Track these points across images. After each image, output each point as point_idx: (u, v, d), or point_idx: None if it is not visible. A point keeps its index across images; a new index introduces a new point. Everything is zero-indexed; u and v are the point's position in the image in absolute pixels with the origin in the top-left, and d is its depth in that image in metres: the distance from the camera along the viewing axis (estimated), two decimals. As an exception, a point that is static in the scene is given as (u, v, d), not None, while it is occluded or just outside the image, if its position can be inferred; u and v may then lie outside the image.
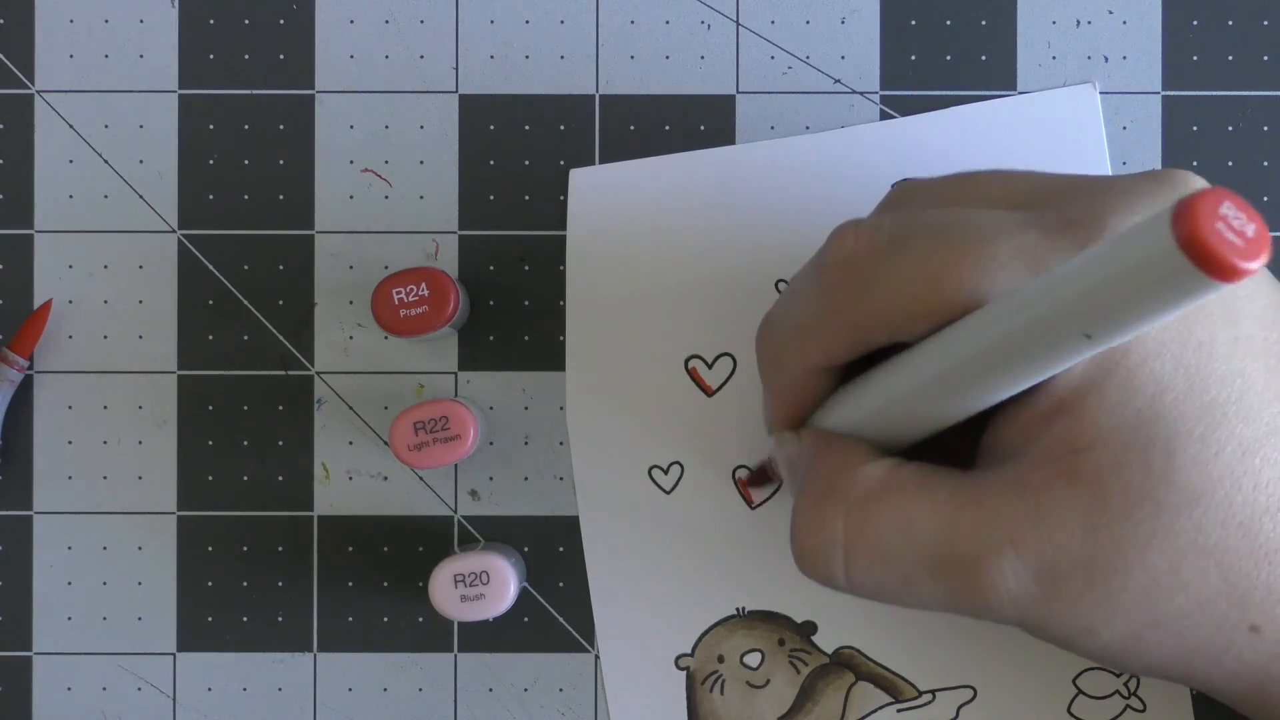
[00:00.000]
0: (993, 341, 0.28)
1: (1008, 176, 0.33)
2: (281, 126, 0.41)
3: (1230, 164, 0.41)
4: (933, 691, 0.40)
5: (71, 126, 0.41)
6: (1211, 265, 0.22)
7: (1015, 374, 0.28)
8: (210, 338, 0.41)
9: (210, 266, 0.41)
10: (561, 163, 0.41)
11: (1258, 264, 0.22)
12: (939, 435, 0.32)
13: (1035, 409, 0.30)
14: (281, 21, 0.41)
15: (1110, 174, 0.37)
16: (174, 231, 0.41)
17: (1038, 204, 0.30)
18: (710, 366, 0.40)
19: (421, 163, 0.41)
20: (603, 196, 0.40)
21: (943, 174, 0.34)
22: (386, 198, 0.41)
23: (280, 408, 0.41)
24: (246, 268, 0.41)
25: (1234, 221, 0.22)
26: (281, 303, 0.41)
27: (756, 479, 0.40)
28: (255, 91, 0.41)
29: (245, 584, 0.41)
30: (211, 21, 0.41)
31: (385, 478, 0.41)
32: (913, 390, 0.31)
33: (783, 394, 0.34)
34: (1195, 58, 0.41)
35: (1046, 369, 0.28)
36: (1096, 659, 0.31)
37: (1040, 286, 0.26)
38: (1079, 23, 0.41)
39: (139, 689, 0.41)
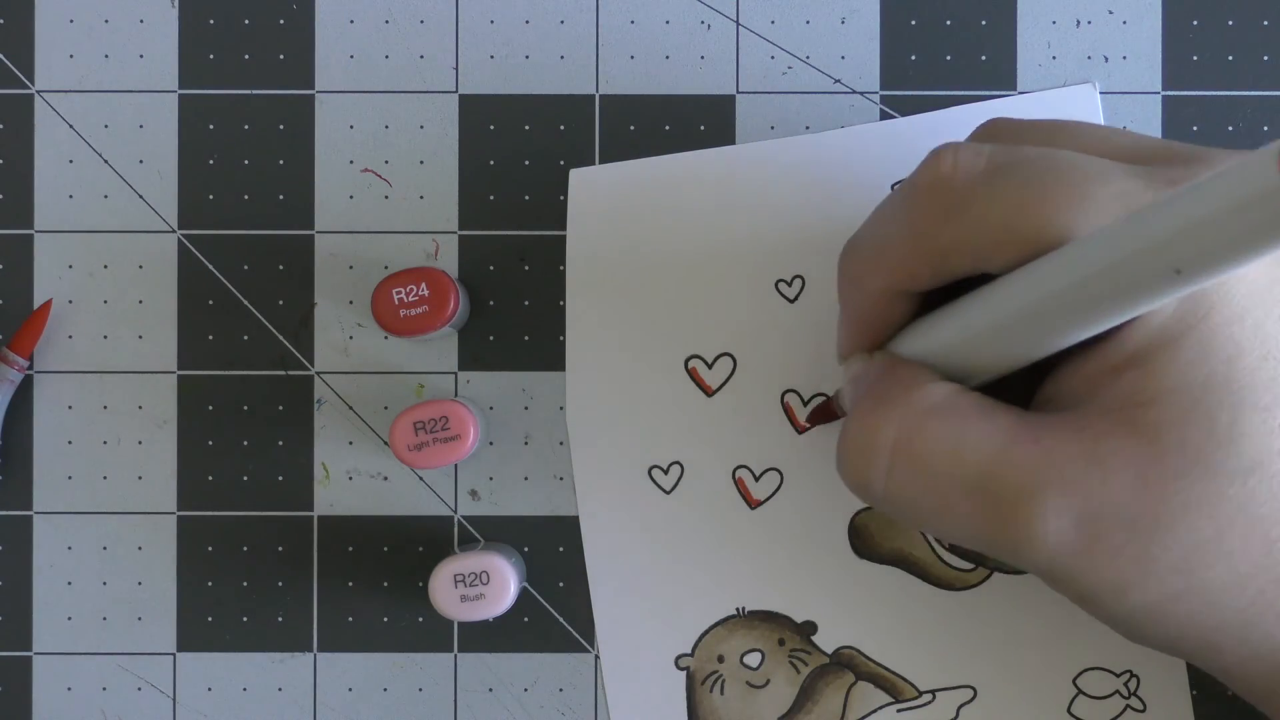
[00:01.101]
0: (1083, 275, 0.27)
1: (1106, 131, 0.32)
2: (281, 126, 0.41)
3: (1230, 164, 0.40)
4: (933, 691, 0.40)
5: (71, 126, 0.41)
6: None
7: (1102, 310, 0.28)
8: (210, 338, 0.41)
9: (210, 266, 0.41)
10: (561, 163, 0.41)
11: None
12: (997, 383, 0.32)
13: (1105, 360, 0.29)
14: (281, 21, 0.41)
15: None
16: (174, 231, 0.41)
17: (1136, 162, 0.30)
18: (710, 366, 0.40)
19: (421, 163, 0.41)
20: (603, 196, 0.40)
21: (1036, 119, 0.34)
22: (386, 198, 0.41)
23: (280, 408, 0.41)
24: (246, 268, 0.41)
25: None
26: (281, 303, 0.41)
27: (819, 415, 0.39)
28: (255, 91, 0.41)
29: (245, 584, 0.41)
30: (211, 21, 0.41)
31: (385, 478, 0.41)
32: (993, 323, 0.30)
33: (859, 316, 0.34)
34: (1195, 58, 0.41)
35: (1134, 306, 0.27)
36: (1118, 622, 0.31)
37: (1135, 220, 0.26)
38: (1079, 23, 0.41)
39: (139, 689, 0.41)
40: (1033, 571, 0.31)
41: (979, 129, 0.34)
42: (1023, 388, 0.32)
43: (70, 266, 0.41)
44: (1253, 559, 0.29)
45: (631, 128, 0.41)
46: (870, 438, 0.31)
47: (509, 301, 0.41)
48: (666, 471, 0.40)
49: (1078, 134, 0.32)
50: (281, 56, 0.41)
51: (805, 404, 0.40)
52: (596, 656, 0.41)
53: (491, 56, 0.41)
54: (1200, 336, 0.28)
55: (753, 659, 0.40)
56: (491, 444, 0.41)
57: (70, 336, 0.41)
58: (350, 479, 0.41)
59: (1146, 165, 0.30)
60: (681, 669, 0.40)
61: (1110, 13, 0.41)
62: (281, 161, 0.41)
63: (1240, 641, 0.30)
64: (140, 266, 0.41)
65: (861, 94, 0.41)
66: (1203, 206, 0.24)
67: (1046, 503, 0.29)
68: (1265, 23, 0.41)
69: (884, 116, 0.41)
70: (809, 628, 0.40)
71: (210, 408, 0.41)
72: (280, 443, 0.41)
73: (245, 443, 0.41)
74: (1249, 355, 0.28)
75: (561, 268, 0.41)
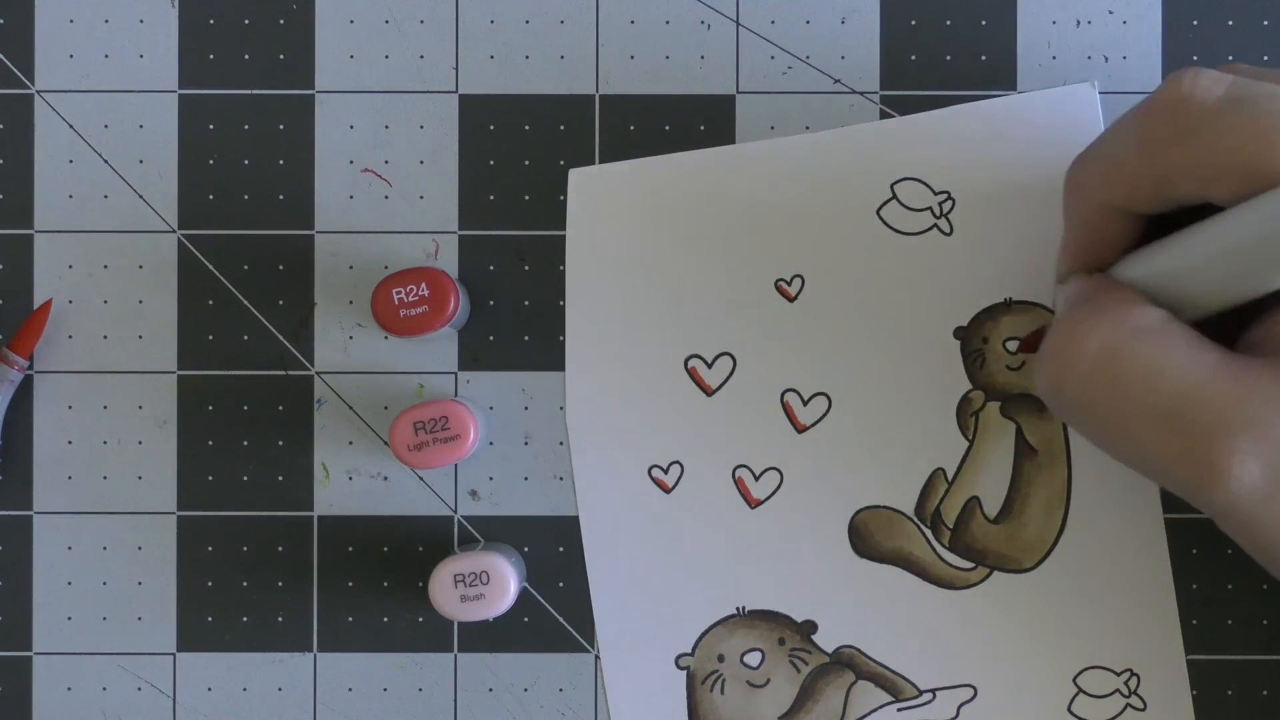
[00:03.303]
0: None
1: None
2: (281, 126, 0.41)
3: (1230, 164, 0.41)
4: (933, 690, 0.40)
5: (71, 126, 0.41)
6: None
7: None
8: (210, 338, 0.41)
9: (210, 266, 0.41)
10: (561, 163, 0.41)
11: None
12: (1204, 325, 0.32)
13: None
14: (281, 21, 0.41)
15: None
16: (174, 231, 0.41)
17: None
18: (710, 366, 0.40)
19: (421, 163, 0.41)
20: (603, 196, 0.40)
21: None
22: (386, 198, 0.41)
23: (280, 408, 0.41)
24: (246, 268, 0.41)
25: None
26: (281, 303, 0.41)
27: (1031, 342, 0.38)
28: (255, 91, 0.41)
29: (245, 584, 0.41)
30: (211, 21, 0.41)
31: (385, 478, 0.41)
32: (1215, 255, 0.30)
33: (1081, 231, 0.34)
34: (1195, 58, 0.41)
35: None
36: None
37: None
38: (1079, 23, 0.41)
39: (139, 689, 0.41)
40: (1206, 510, 0.30)
41: (1223, 66, 0.34)
42: (1230, 332, 0.32)
43: (70, 266, 0.41)
44: None
45: (631, 128, 0.41)
46: (1075, 342, 0.31)
47: (509, 301, 0.41)
48: (666, 471, 0.40)
49: None
50: (281, 56, 0.41)
51: (805, 403, 0.40)
52: (596, 656, 0.41)
53: (491, 56, 0.41)
54: None
55: (753, 658, 0.40)
56: (491, 444, 0.41)
57: (70, 336, 0.41)
58: (350, 479, 0.41)
59: None
60: (682, 668, 0.40)
61: (1110, 13, 0.41)
62: (281, 161, 0.41)
63: None
64: (140, 266, 0.41)
65: (861, 94, 0.41)
66: None
67: (1237, 442, 0.29)
68: (1265, 23, 0.41)
69: (884, 116, 0.41)
70: (809, 627, 0.40)
71: (210, 408, 0.41)
72: (280, 443, 0.41)
73: (245, 443, 0.41)
74: None
75: (561, 268, 0.41)
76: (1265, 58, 0.40)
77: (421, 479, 0.41)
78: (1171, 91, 0.31)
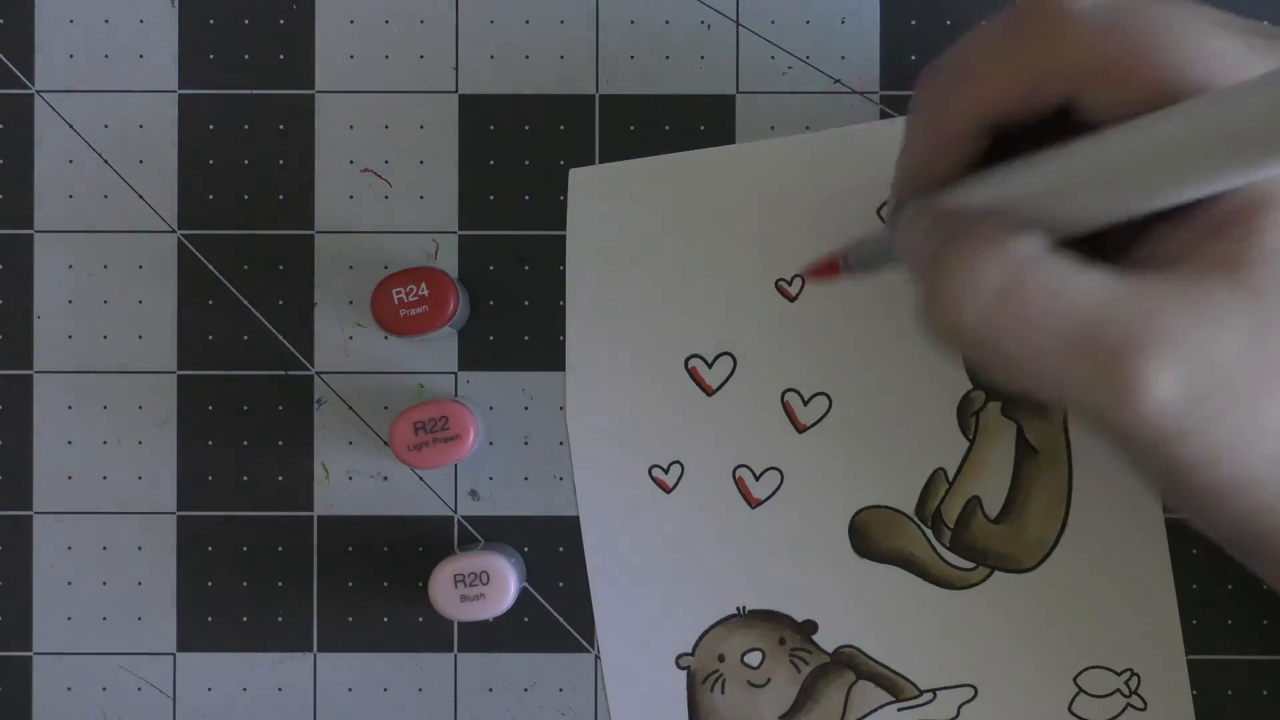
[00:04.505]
0: (1195, 134, 0.27)
1: (1225, 15, 0.32)
2: (281, 126, 0.41)
3: (1230, 163, 0.41)
4: (933, 690, 0.40)
5: (71, 126, 0.41)
6: None
7: (1217, 173, 0.27)
8: (210, 338, 0.41)
9: (210, 266, 0.41)
10: (561, 163, 0.41)
11: None
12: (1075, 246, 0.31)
13: (1205, 219, 0.29)
14: (281, 21, 0.41)
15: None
16: (174, 231, 0.41)
17: (1256, 39, 0.30)
18: (710, 366, 0.40)
19: (421, 163, 0.41)
20: (603, 196, 0.40)
21: None
22: (386, 198, 0.41)
23: (280, 408, 0.41)
24: (246, 268, 0.41)
25: None
26: (281, 303, 0.41)
27: (821, 270, 0.36)
28: (255, 91, 0.41)
29: (245, 584, 0.41)
30: (211, 21, 0.41)
31: (385, 478, 0.41)
32: (1096, 172, 0.30)
33: (929, 145, 0.33)
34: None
35: (1249, 172, 0.27)
36: (1200, 497, 0.30)
37: (1263, 80, 0.26)
38: (1078, 23, 0.41)
39: (139, 689, 0.41)
40: (1122, 435, 0.30)
41: None
42: (1116, 244, 0.31)
43: (70, 266, 0.41)
44: None
45: (631, 128, 0.41)
46: (969, 278, 0.30)
47: (509, 301, 0.41)
48: (667, 471, 0.40)
49: (1200, 6, 0.32)
50: (281, 56, 0.41)
51: (806, 403, 0.40)
52: (596, 656, 0.41)
53: (491, 56, 0.41)
54: None
55: (753, 658, 0.40)
56: (491, 444, 0.41)
57: (70, 336, 0.41)
58: (350, 479, 0.41)
59: (1259, 37, 0.30)
60: (682, 668, 0.40)
61: (1109, 13, 0.41)
62: (281, 161, 0.41)
63: None
64: (140, 266, 0.41)
65: (861, 94, 0.41)
66: None
67: (1149, 359, 0.28)
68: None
69: (884, 116, 0.41)
70: (809, 627, 0.40)
71: (210, 408, 0.41)
72: (280, 443, 0.41)
73: (245, 443, 0.41)
74: None
75: (561, 268, 0.41)
76: None
77: (421, 479, 0.41)
78: None
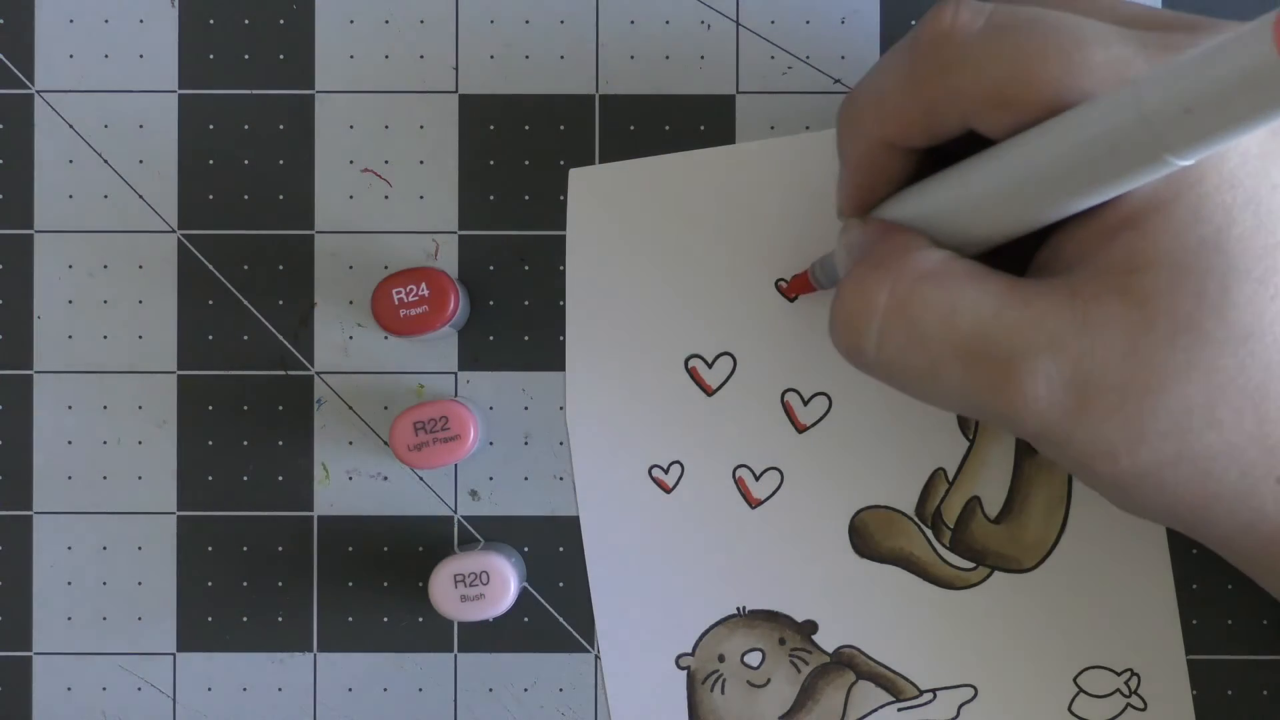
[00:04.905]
0: (1076, 146, 0.27)
1: (1137, 8, 0.32)
2: (281, 126, 0.41)
3: (1230, 164, 0.41)
4: (933, 690, 0.40)
5: (71, 126, 0.41)
6: None
7: (1094, 184, 0.28)
8: (210, 338, 0.41)
9: (210, 266, 0.41)
10: (561, 163, 0.41)
11: None
12: (994, 252, 0.32)
13: (1098, 225, 0.29)
14: (281, 21, 0.41)
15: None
16: (174, 231, 0.41)
17: (1141, 29, 0.30)
18: (710, 366, 0.40)
19: (421, 163, 0.41)
20: (603, 196, 0.40)
21: None
22: (386, 198, 0.41)
23: (280, 408, 0.41)
24: (246, 268, 0.41)
25: None
26: (281, 303, 0.41)
27: (798, 285, 0.39)
28: (255, 91, 0.41)
29: (245, 584, 0.41)
30: (211, 21, 0.41)
31: (385, 478, 0.41)
32: (987, 191, 0.30)
33: (855, 169, 0.34)
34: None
35: (1126, 182, 0.27)
36: (1110, 489, 0.31)
37: (1129, 90, 0.26)
38: (1078, 23, 0.41)
39: (139, 689, 0.41)
40: (1024, 437, 0.31)
41: None
42: (1020, 257, 0.32)
43: (70, 266, 0.41)
44: (1245, 430, 0.29)
45: (631, 128, 0.41)
46: (864, 301, 0.31)
47: (509, 301, 0.41)
48: (666, 471, 0.40)
49: (1090, 1, 0.32)
50: (281, 56, 0.41)
51: (806, 403, 0.40)
52: (596, 656, 0.41)
53: (491, 56, 0.41)
54: (1190, 202, 0.28)
55: (753, 658, 0.40)
56: (491, 444, 0.41)
57: (70, 336, 0.41)
58: (350, 479, 0.41)
59: (1146, 31, 0.30)
60: (682, 668, 0.40)
61: (1109, 13, 0.41)
62: (281, 161, 0.41)
63: (1230, 513, 0.30)
64: (140, 266, 0.41)
65: (861, 94, 0.41)
66: (1197, 76, 0.24)
67: (1037, 367, 0.29)
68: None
69: (884, 116, 0.41)
70: (809, 627, 0.40)
71: (210, 408, 0.41)
72: (280, 443, 0.41)
73: (245, 443, 0.41)
74: (1241, 224, 0.28)
75: (561, 268, 0.41)
76: None
77: (421, 479, 0.41)
78: (934, 24, 0.31)
